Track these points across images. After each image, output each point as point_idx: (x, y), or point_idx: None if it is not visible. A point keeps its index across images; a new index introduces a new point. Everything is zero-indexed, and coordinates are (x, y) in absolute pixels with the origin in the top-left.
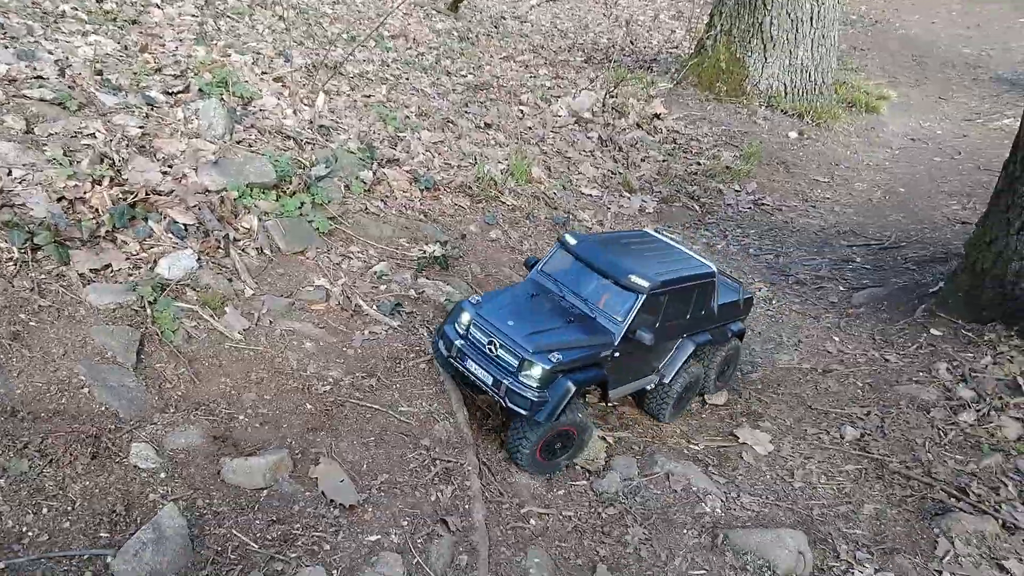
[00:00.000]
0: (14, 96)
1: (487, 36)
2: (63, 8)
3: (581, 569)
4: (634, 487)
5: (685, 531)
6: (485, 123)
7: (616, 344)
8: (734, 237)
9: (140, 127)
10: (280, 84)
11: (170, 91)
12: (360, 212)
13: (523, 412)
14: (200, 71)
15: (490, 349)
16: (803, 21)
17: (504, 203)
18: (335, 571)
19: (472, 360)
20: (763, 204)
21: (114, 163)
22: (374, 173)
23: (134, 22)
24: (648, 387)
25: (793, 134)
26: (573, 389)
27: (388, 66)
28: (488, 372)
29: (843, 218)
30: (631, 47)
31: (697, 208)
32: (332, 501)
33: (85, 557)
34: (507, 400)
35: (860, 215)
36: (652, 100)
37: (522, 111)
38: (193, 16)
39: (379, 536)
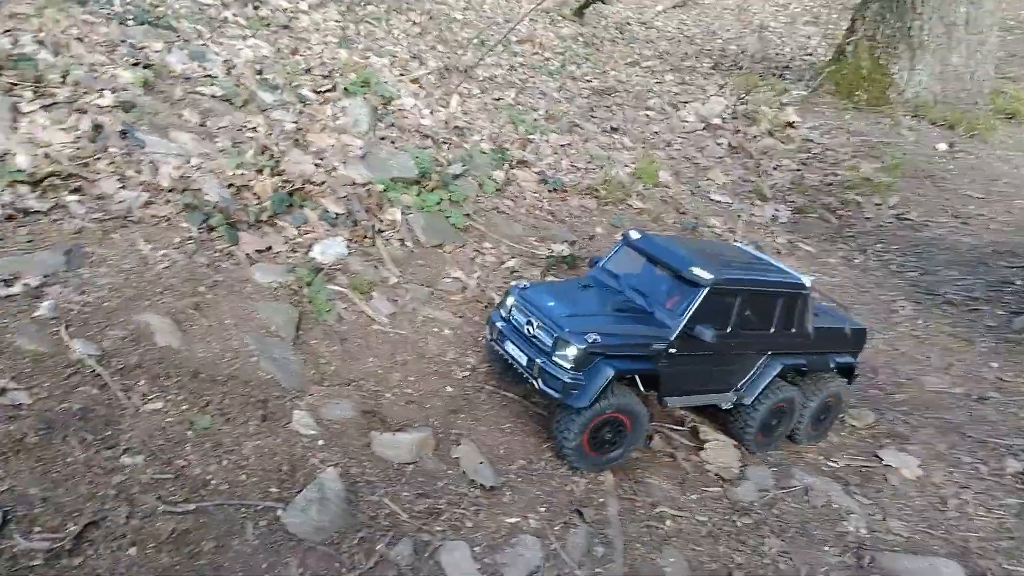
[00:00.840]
0: (190, 92)
1: (612, 42)
2: (225, 15)
3: (716, 574)
4: (770, 499)
5: (826, 548)
6: (611, 127)
7: (672, 340)
8: (874, 252)
9: (294, 122)
10: (417, 85)
11: (319, 90)
12: (492, 210)
13: (555, 394)
14: (345, 72)
15: (528, 329)
16: (957, 26)
17: (631, 206)
18: (477, 548)
19: (511, 341)
20: (907, 219)
21: (273, 155)
22: (505, 173)
23: (285, 27)
24: (724, 405)
25: (942, 146)
26: (612, 374)
27: (515, 70)
28: (524, 352)
29: (1001, 237)
30: (762, 54)
31: (834, 220)
32: (473, 481)
33: (259, 508)
34: (540, 381)
35: (1022, 234)
36: (785, 108)
37: (648, 116)
38: (336, 21)
39: (518, 519)
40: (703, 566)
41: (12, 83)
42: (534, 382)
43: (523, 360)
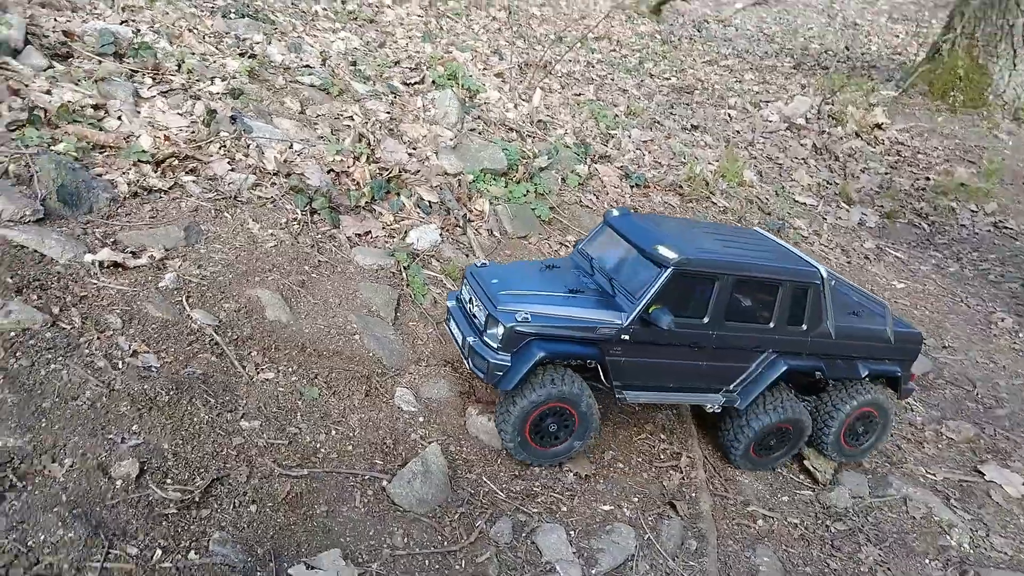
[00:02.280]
0: (290, 82)
1: (689, 40)
2: (315, 8)
3: None
4: (866, 506)
5: (927, 561)
6: (692, 125)
7: (625, 325)
8: (969, 261)
9: (387, 112)
10: (500, 80)
11: (408, 82)
12: (575, 204)
13: (480, 375)
14: (432, 65)
15: (469, 307)
16: None
17: (715, 204)
18: (572, 532)
19: (454, 320)
20: (1006, 228)
21: (370, 143)
22: (588, 168)
23: (371, 21)
24: (710, 407)
25: None
26: (540, 357)
27: (593, 67)
28: (461, 331)
29: None
30: (846, 52)
31: (925, 227)
32: (566, 468)
33: (366, 477)
34: (470, 361)
35: None
36: (873, 109)
37: (729, 115)
38: (419, 16)
39: (611, 507)
40: (796, 569)
41: (133, 70)
42: (466, 362)
43: (459, 338)
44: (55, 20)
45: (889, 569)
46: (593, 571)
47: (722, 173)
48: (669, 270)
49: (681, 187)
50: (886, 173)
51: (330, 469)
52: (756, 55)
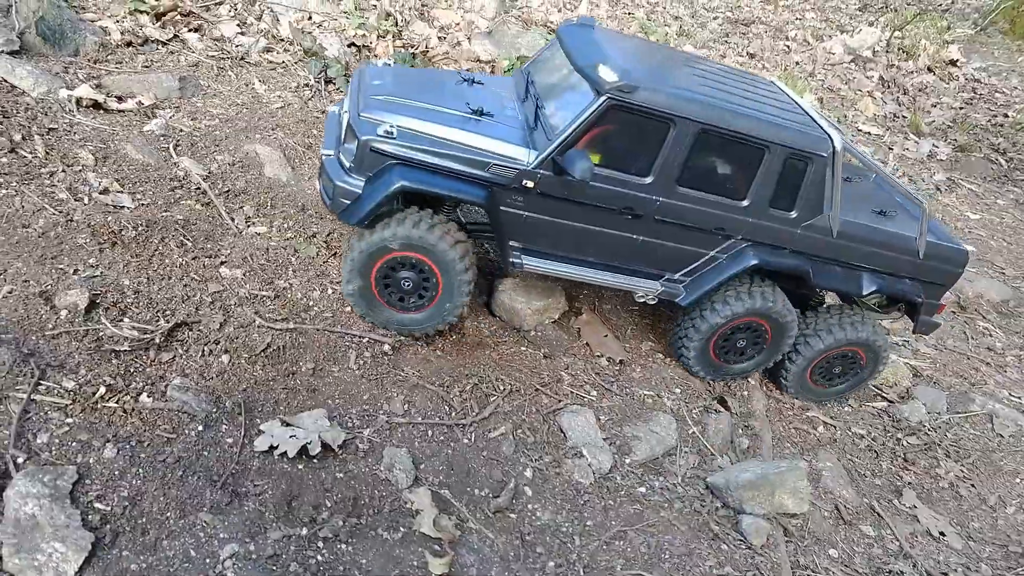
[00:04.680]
0: None
1: None
2: None
3: (881, 489)
4: (943, 422)
5: (1018, 480)
6: (748, 53)
7: (532, 167)
8: None
9: None
10: None
11: None
12: None
13: (325, 201)
14: None
15: (343, 114)
16: None
17: None
18: (603, 417)
19: (329, 136)
20: None
21: (397, 23)
22: None
23: None
24: (641, 297)
25: None
26: (398, 186)
27: None
28: (326, 146)
29: None
30: None
31: (1003, 162)
32: (596, 352)
33: (365, 339)
34: (319, 182)
35: None
36: (948, 46)
37: (788, 47)
38: None
39: (651, 393)
40: (864, 479)
41: None
42: (316, 183)
43: (323, 155)
44: None
45: (973, 486)
46: (627, 460)
47: None
48: (603, 99)
49: None
50: (960, 108)
51: (322, 327)
52: None
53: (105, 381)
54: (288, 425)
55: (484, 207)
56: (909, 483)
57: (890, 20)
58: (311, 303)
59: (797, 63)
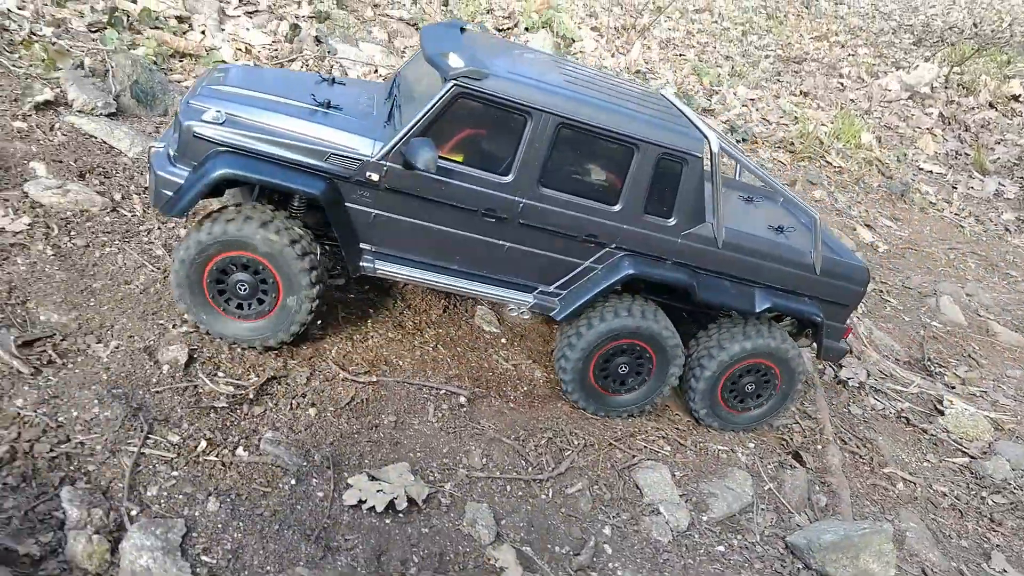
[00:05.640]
0: (380, 14)
1: (796, 16)
2: None
3: (968, 551)
4: None
5: None
6: (801, 91)
7: (377, 159)
8: None
9: None
10: (596, 33)
11: (500, 28)
12: None
13: (151, 196)
14: (527, 12)
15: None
16: None
17: (830, 164)
18: (678, 472)
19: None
20: None
21: None
22: None
23: None
24: (513, 310)
25: None
26: (220, 174)
27: (693, 35)
28: (161, 139)
29: None
30: (975, 29)
31: None
32: (666, 405)
33: (442, 392)
34: (148, 176)
35: None
36: (1009, 80)
37: (842, 84)
38: None
39: (725, 448)
40: (950, 541)
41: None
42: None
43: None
44: None
45: None
46: (704, 517)
47: (836, 134)
48: (449, 85)
49: (792, 144)
50: None
51: (401, 379)
52: (871, 32)
53: (205, 435)
54: (374, 479)
55: (322, 201)
56: (997, 545)
57: (947, 55)
58: (389, 354)
59: (852, 101)
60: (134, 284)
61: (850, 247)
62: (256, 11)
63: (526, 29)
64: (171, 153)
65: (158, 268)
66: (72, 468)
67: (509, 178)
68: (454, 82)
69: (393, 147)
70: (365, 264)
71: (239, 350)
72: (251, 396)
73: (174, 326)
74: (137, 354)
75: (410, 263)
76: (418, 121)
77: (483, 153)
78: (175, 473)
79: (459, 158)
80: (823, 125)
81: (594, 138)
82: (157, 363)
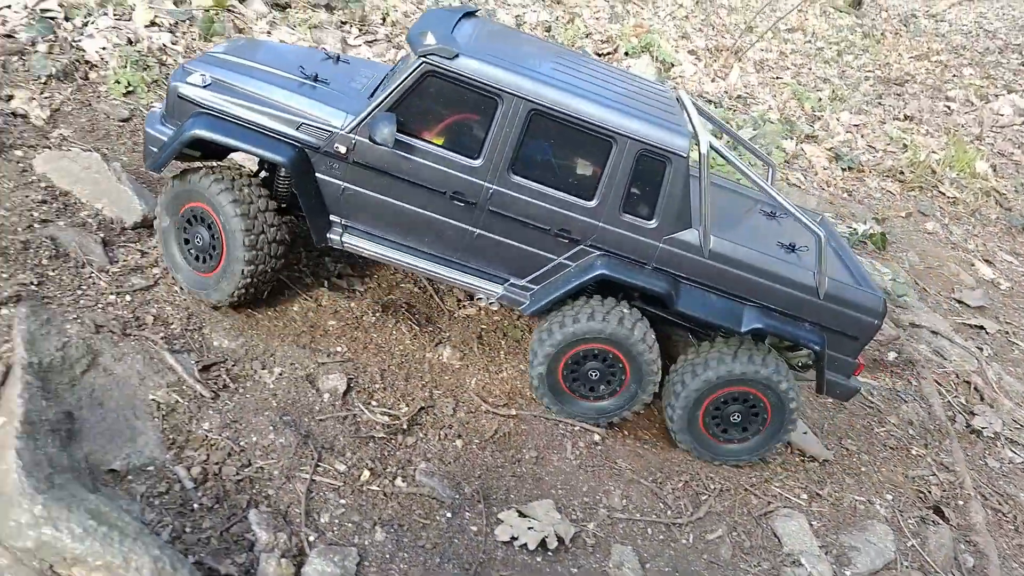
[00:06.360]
0: None
1: (894, 34)
2: None
3: None
4: None
5: None
6: (905, 115)
7: (346, 131)
8: None
9: None
10: (694, 56)
11: (600, 53)
12: (781, 180)
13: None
14: (627, 37)
15: None
16: None
17: (943, 194)
18: (815, 522)
19: None
20: None
21: None
22: (796, 145)
23: (558, 1)
24: (482, 299)
25: None
26: (193, 133)
27: (787, 56)
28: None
29: None
30: None
31: None
32: (797, 450)
33: (577, 428)
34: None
35: None
36: None
37: (949, 107)
38: (605, 0)
39: (863, 499)
40: None
41: (343, 21)
42: None
43: None
44: None
45: None
46: (847, 572)
47: (949, 162)
48: (418, 62)
49: (902, 173)
50: None
51: (538, 413)
52: (976, 51)
53: (367, 464)
54: (523, 515)
55: (288, 170)
56: None
57: None
58: (523, 388)
59: (961, 126)
60: (290, 312)
61: (871, 277)
62: (374, 40)
63: (626, 54)
64: (162, 114)
65: (309, 296)
66: (255, 491)
67: (478, 162)
68: (423, 60)
69: (361, 121)
70: (332, 236)
71: (390, 379)
72: (404, 426)
73: (329, 355)
74: (300, 382)
75: (378, 240)
76: (387, 96)
77: (452, 134)
78: (343, 501)
79: (430, 138)
80: (934, 152)
81: (568, 127)
82: (318, 391)
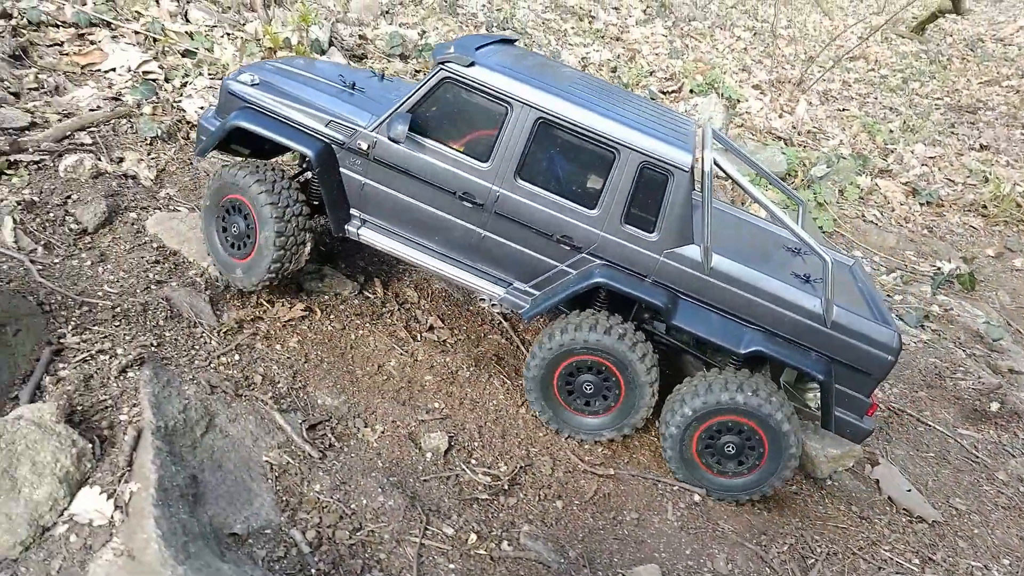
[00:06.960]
0: None
1: (961, 59)
2: (564, 27)
3: None
4: None
5: None
6: (981, 145)
7: (369, 130)
8: None
9: None
10: (759, 91)
11: (665, 90)
12: (857, 218)
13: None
14: (691, 75)
15: None
16: None
17: None
18: None
19: None
20: None
21: None
22: (870, 180)
23: (617, 39)
24: (484, 301)
25: None
26: (234, 124)
27: (850, 86)
28: None
29: None
30: None
31: None
32: (902, 509)
33: (675, 488)
34: None
35: None
36: None
37: None
38: (663, 35)
39: (979, 565)
40: None
41: (417, 70)
42: None
43: None
44: (352, 27)
45: None
46: None
47: None
48: (437, 68)
49: (984, 207)
50: None
51: (636, 473)
52: None
53: (473, 527)
54: None
55: (315, 162)
56: None
57: None
58: (618, 446)
59: None
60: (387, 367)
61: (889, 311)
62: None
63: (691, 91)
64: (215, 110)
65: (405, 351)
66: (367, 556)
67: (487, 166)
68: (441, 66)
69: (383, 120)
70: (350, 229)
71: (487, 437)
72: (505, 487)
73: (427, 412)
74: (402, 440)
75: (392, 235)
76: (407, 99)
77: (465, 138)
78: (452, 566)
79: (444, 140)
80: (1018, 185)
81: (574, 136)
82: (420, 449)
